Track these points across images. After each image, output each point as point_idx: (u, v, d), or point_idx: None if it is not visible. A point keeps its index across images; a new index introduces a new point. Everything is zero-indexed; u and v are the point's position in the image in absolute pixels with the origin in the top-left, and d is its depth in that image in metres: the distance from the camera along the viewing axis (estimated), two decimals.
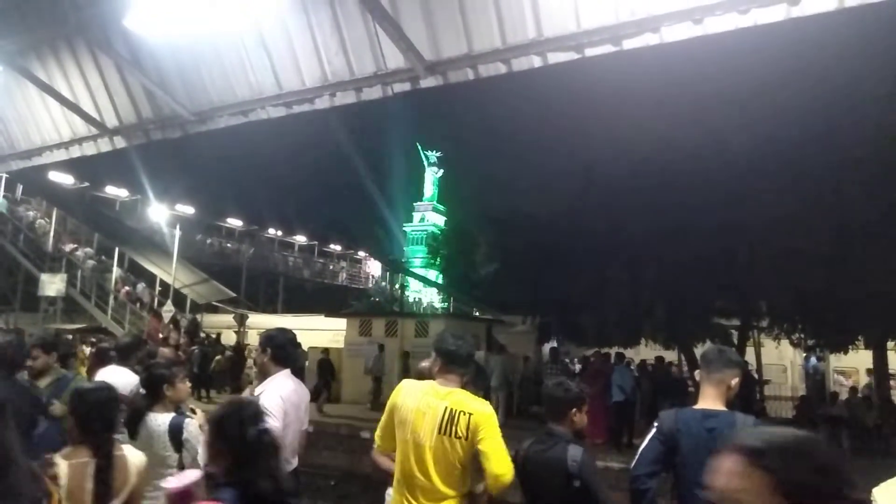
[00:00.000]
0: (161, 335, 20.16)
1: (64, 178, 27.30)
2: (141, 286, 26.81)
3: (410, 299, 46.63)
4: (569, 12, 7.08)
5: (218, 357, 18.78)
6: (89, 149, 11.96)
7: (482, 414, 3.00)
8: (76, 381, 4.64)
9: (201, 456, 3.60)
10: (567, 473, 3.08)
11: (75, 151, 12.16)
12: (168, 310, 22.35)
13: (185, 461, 3.59)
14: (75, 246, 26.89)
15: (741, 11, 6.43)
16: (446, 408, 2.97)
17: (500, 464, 2.92)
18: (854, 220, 11.54)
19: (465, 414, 2.96)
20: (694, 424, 2.99)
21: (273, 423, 3.57)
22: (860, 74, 11.08)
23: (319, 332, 20.44)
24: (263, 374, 3.89)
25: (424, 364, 4.07)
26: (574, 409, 3.28)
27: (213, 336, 21.70)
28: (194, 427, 3.66)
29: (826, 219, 11.69)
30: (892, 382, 16.75)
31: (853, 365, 20.68)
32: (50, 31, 10.30)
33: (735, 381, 3.09)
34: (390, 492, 3.78)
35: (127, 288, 25.77)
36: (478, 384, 13.20)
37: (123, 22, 8.42)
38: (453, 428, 2.94)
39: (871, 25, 9.28)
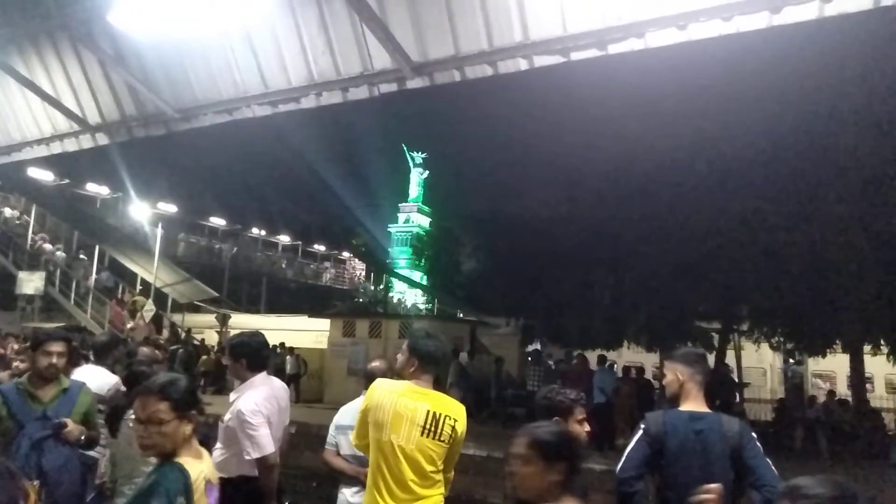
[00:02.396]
0: (128, 325, 20.17)
1: (44, 175, 26.91)
2: (105, 274, 26.55)
3: (395, 300, 46.54)
4: (555, 16, 7.11)
5: (204, 357, 18.66)
6: (70, 145, 11.79)
7: (463, 420, 3.04)
8: (84, 393, 3.84)
9: None
10: None
11: (56, 147, 11.99)
12: (149, 309, 22.15)
13: None
14: (40, 239, 26.45)
15: (724, 18, 6.51)
16: (428, 410, 2.93)
17: (453, 466, 3.11)
18: (833, 227, 11.71)
19: (450, 419, 2.96)
20: (681, 426, 3.00)
21: (255, 429, 3.54)
22: (843, 83, 11.25)
23: (303, 332, 20.36)
24: (240, 379, 3.83)
25: (376, 364, 4.04)
26: (556, 419, 3.11)
27: (186, 333, 21.60)
28: None
29: (806, 225, 11.86)
30: (868, 386, 17.02)
31: (831, 369, 21.01)
32: (32, 26, 10.15)
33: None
34: (344, 490, 3.77)
35: (95, 276, 25.54)
36: (461, 385, 13.35)
37: (107, 18, 8.33)
38: (438, 431, 2.92)
39: (853, 35, 9.44)
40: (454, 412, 3.01)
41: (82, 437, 3.70)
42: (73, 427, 3.60)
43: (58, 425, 3.53)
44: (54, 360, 3.66)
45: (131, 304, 23.39)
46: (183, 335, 21.56)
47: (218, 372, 18.60)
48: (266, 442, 3.52)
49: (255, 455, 3.47)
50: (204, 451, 2.44)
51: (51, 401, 3.64)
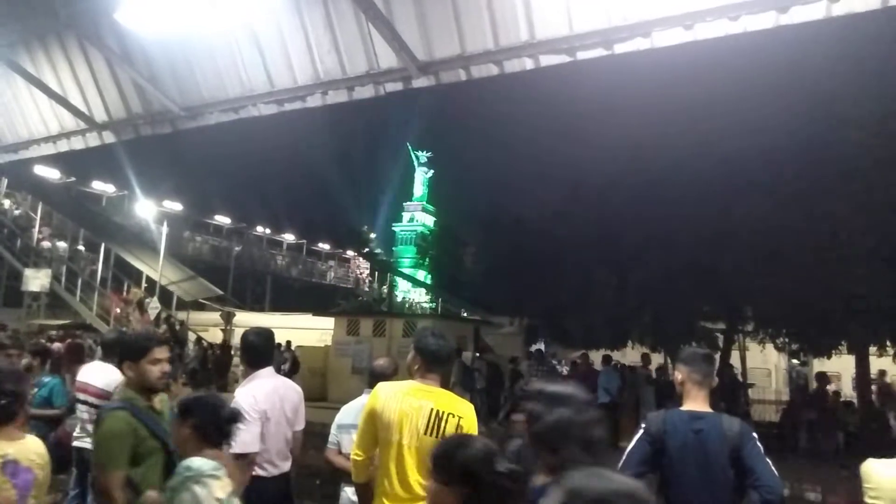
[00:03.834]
0: (120, 311, 20.39)
1: (50, 173, 27.02)
2: (101, 268, 26.71)
3: (398, 299, 46.59)
4: (561, 16, 7.11)
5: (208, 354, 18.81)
6: (77, 143, 11.86)
7: (471, 418, 2.99)
8: (166, 403, 3.36)
9: None
10: None
11: (63, 146, 12.06)
12: (154, 306, 22.23)
13: None
14: (43, 235, 26.55)
15: (731, 18, 6.50)
16: (432, 409, 2.91)
17: None
18: (838, 228, 11.67)
19: (454, 417, 2.92)
20: (681, 426, 3.00)
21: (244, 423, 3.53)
22: (850, 84, 11.21)
23: (307, 331, 20.41)
24: (246, 374, 3.83)
25: (381, 362, 4.04)
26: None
27: (181, 325, 21.78)
28: None
29: (811, 225, 11.82)
30: (873, 387, 16.94)
31: (836, 369, 20.91)
32: (39, 25, 10.21)
33: (715, 381, 3.16)
34: (346, 489, 3.77)
35: (92, 267, 25.69)
36: (465, 384, 13.38)
37: (114, 16, 8.38)
38: (441, 430, 2.89)
39: (859, 35, 9.40)
40: (460, 410, 2.97)
41: None
42: None
43: None
44: (166, 367, 3.20)
45: (137, 301, 23.50)
46: (178, 327, 21.72)
47: (219, 369, 18.73)
48: (249, 440, 3.42)
49: (236, 450, 3.28)
50: (25, 435, 2.60)
51: (164, 415, 3.16)
